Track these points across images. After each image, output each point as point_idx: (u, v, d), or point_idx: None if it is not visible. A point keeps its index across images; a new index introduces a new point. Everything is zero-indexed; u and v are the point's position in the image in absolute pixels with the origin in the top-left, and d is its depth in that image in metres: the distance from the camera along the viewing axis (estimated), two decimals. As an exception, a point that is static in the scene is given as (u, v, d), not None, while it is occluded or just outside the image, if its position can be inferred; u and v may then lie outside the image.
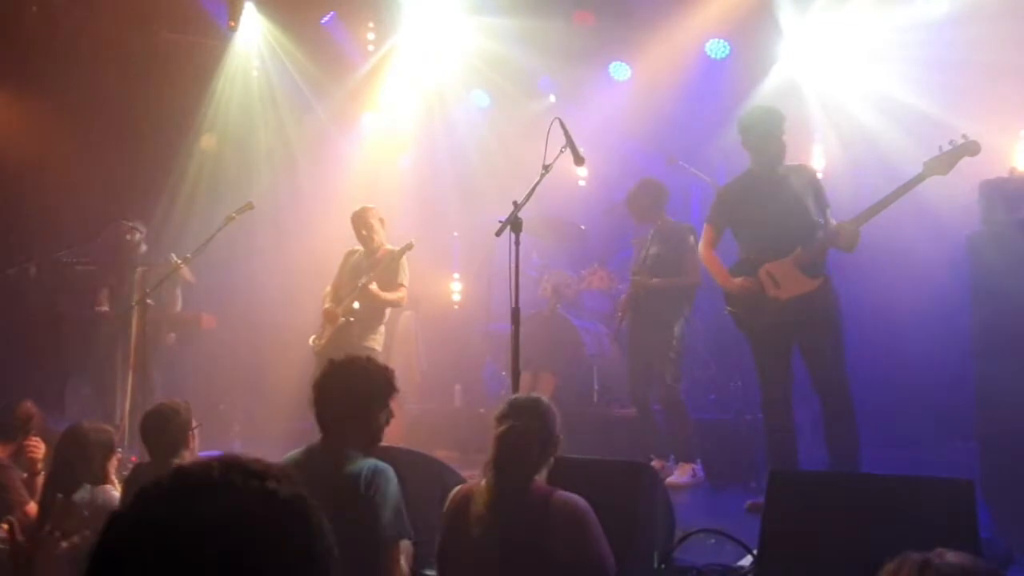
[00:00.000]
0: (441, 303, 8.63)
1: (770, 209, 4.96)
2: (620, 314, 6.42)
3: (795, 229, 4.90)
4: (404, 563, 3.05)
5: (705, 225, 5.31)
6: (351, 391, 3.09)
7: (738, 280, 5.04)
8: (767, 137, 4.99)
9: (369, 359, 3.31)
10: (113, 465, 4.03)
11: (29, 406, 4.72)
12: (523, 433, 2.87)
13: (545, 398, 3.08)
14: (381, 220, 6.40)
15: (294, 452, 3.20)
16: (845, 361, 4.84)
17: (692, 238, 6.06)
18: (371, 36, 8.75)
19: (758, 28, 7.28)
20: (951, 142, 4.59)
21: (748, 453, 6.02)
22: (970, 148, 4.56)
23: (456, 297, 8.86)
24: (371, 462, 3.03)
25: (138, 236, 7.15)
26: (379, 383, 3.14)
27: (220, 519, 1.00)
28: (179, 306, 7.35)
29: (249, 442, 7.13)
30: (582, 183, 8.63)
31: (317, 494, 2.88)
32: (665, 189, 6.34)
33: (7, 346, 7.08)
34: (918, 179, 4.64)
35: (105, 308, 6.93)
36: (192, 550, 0.97)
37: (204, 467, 1.06)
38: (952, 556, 1.46)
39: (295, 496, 1.07)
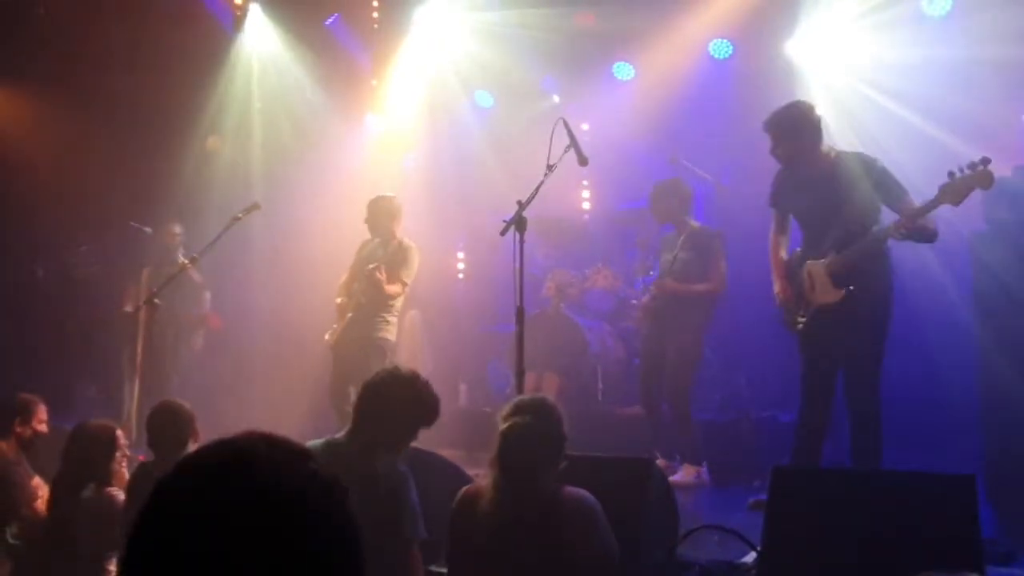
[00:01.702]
0: (444, 304, 8.67)
1: (810, 205, 4.86)
2: (640, 315, 6.41)
3: (831, 231, 4.74)
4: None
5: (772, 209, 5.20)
6: (399, 407, 3.19)
7: (777, 287, 4.98)
8: (790, 133, 4.82)
9: (426, 382, 3.36)
10: (119, 463, 4.05)
11: (23, 397, 4.72)
12: (526, 429, 2.89)
13: (550, 398, 3.10)
14: (399, 210, 6.34)
15: (314, 441, 3.27)
16: (876, 365, 4.72)
17: (720, 245, 6.02)
18: (375, 37, 8.79)
19: (761, 28, 7.30)
20: (966, 167, 4.29)
21: (752, 452, 6.05)
22: (982, 180, 4.28)
23: (459, 297, 8.90)
24: (393, 463, 3.13)
25: (178, 238, 7.20)
26: (427, 409, 3.25)
27: (267, 494, 1.01)
28: (207, 308, 7.38)
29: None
30: (585, 182, 8.68)
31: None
32: (690, 190, 6.26)
33: (15, 347, 7.12)
34: (932, 204, 4.42)
35: (130, 309, 6.95)
36: (236, 526, 0.98)
37: (249, 443, 1.06)
38: None
39: (334, 478, 1.09)
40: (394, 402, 3.19)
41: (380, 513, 2.98)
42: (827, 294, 4.73)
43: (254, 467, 1.03)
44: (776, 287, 5.00)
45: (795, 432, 4.99)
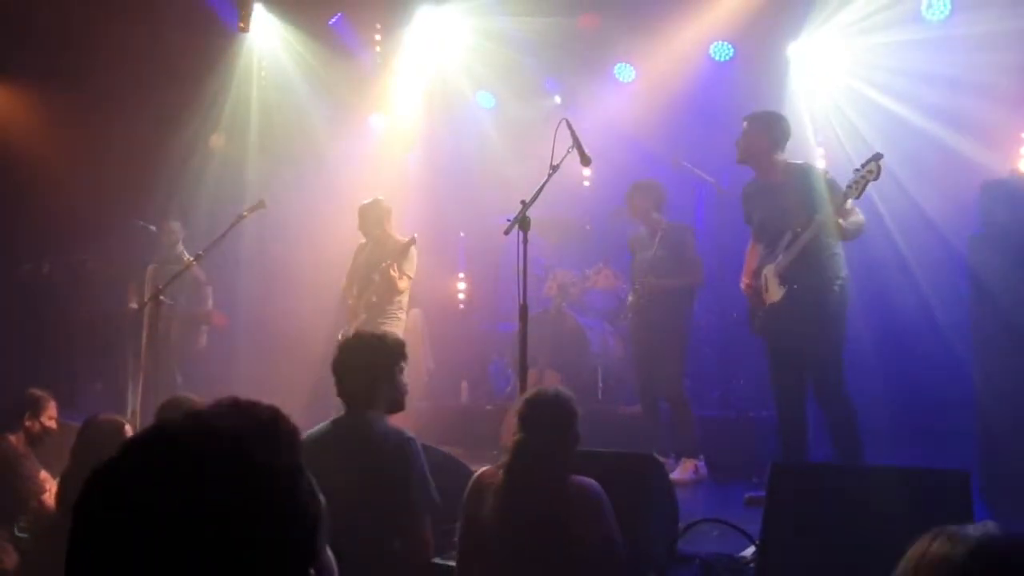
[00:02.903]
0: (446, 302, 8.73)
1: (767, 213, 5.11)
2: (629, 314, 6.51)
3: (781, 235, 5.00)
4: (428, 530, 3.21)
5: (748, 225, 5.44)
6: (364, 361, 3.35)
7: (743, 283, 5.28)
8: (748, 144, 5.14)
9: (377, 332, 3.65)
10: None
11: (33, 392, 4.76)
12: (537, 454, 2.94)
13: (568, 395, 3.11)
14: (388, 212, 6.59)
15: (322, 424, 3.39)
16: (835, 365, 4.86)
17: (691, 238, 6.24)
18: (378, 37, 8.84)
19: (762, 31, 7.36)
20: (862, 164, 4.64)
21: (750, 449, 6.11)
22: (872, 174, 4.59)
23: (461, 296, 8.97)
24: (399, 429, 3.21)
25: (176, 235, 7.27)
26: (388, 348, 3.41)
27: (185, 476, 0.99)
28: (209, 305, 7.44)
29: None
30: (587, 183, 8.72)
31: (347, 462, 3.02)
32: (663, 189, 6.44)
33: (21, 342, 7.16)
34: (842, 200, 4.71)
35: (135, 305, 7.00)
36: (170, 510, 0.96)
37: (182, 424, 1.04)
38: (938, 545, 1.35)
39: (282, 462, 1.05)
40: (356, 355, 3.39)
41: (391, 479, 3.09)
42: (774, 293, 4.99)
43: (182, 450, 1.01)
44: (742, 283, 5.28)
45: (777, 435, 5.11)
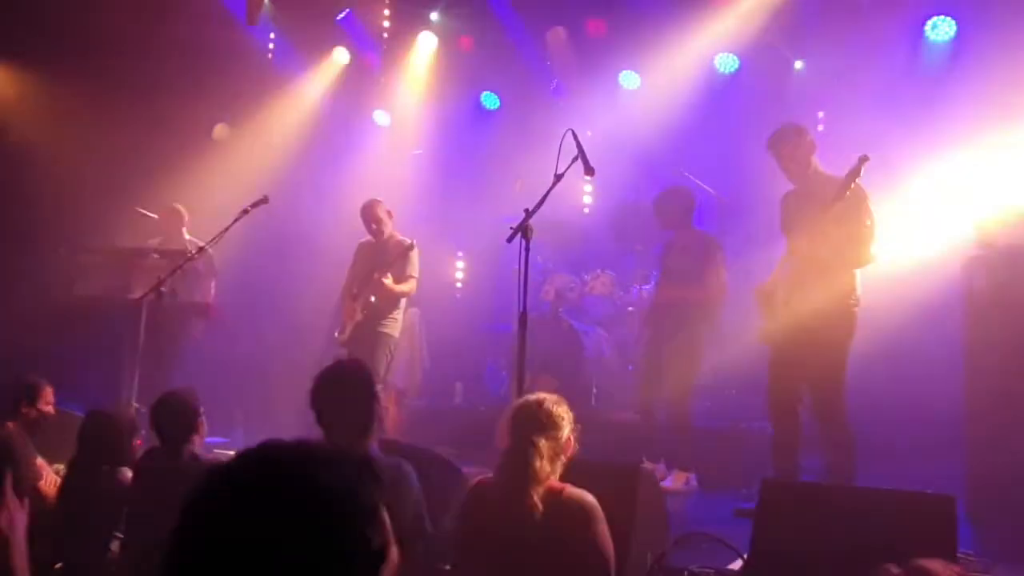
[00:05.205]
0: (442, 301, 8.76)
1: (796, 223, 5.09)
2: (642, 321, 6.51)
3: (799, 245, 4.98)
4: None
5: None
6: (352, 399, 3.28)
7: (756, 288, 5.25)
8: (778, 155, 5.11)
9: (353, 364, 3.60)
10: (137, 446, 4.12)
11: (30, 378, 4.75)
12: (524, 464, 2.96)
13: (553, 402, 3.13)
14: (389, 213, 6.62)
15: None
16: (832, 385, 4.85)
17: (716, 251, 6.11)
18: (385, 35, 8.88)
19: (767, 44, 7.40)
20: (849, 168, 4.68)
21: (740, 461, 6.14)
22: (855, 174, 4.64)
23: (459, 276, 9.00)
24: (393, 461, 3.19)
25: (183, 224, 7.31)
26: (368, 379, 3.38)
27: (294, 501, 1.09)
28: (211, 297, 7.46)
29: (253, 432, 7.25)
30: (586, 210, 8.76)
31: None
32: (694, 197, 6.38)
33: (18, 328, 7.16)
34: (829, 206, 4.71)
35: (135, 295, 7.00)
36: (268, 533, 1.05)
37: (280, 449, 1.13)
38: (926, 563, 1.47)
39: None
40: (337, 392, 3.30)
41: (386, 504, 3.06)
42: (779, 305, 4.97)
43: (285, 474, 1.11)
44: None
45: (771, 445, 5.13)
